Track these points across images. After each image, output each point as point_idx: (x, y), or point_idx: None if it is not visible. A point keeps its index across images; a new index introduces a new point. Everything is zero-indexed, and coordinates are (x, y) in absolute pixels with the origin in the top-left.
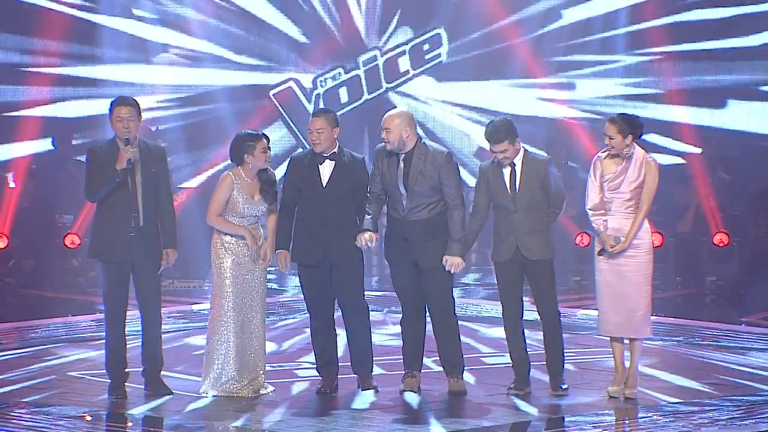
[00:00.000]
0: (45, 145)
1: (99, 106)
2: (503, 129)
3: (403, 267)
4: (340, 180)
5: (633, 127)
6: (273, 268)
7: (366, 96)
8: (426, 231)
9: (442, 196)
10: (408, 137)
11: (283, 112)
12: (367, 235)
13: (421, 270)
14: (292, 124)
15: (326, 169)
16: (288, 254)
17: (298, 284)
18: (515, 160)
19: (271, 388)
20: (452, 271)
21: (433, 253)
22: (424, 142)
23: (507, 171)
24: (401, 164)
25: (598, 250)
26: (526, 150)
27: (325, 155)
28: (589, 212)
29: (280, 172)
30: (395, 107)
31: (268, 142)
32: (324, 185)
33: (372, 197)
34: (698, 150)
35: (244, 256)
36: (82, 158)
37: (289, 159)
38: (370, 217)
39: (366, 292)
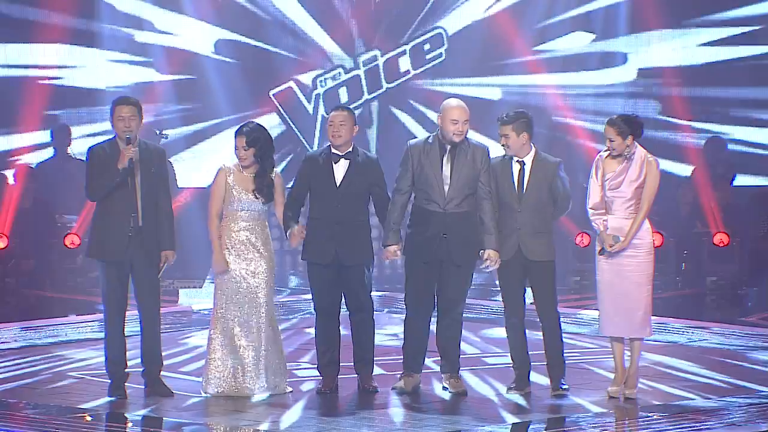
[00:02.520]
0: (45, 142)
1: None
2: (514, 116)
3: (429, 265)
4: (354, 179)
5: (633, 127)
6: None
7: (366, 96)
8: (464, 225)
9: (474, 191)
10: None
11: (283, 112)
12: (392, 248)
13: (446, 266)
14: (292, 124)
15: (340, 169)
16: (301, 227)
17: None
18: (525, 159)
19: (289, 389)
20: (491, 266)
21: (469, 248)
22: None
23: (516, 169)
24: (448, 154)
25: (598, 249)
26: (537, 150)
27: (340, 154)
28: (590, 211)
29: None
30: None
31: (245, 140)
32: (338, 185)
33: (396, 196)
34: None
35: (246, 255)
36: (83, 157)
37: (304, 156)
38: (394, 227)
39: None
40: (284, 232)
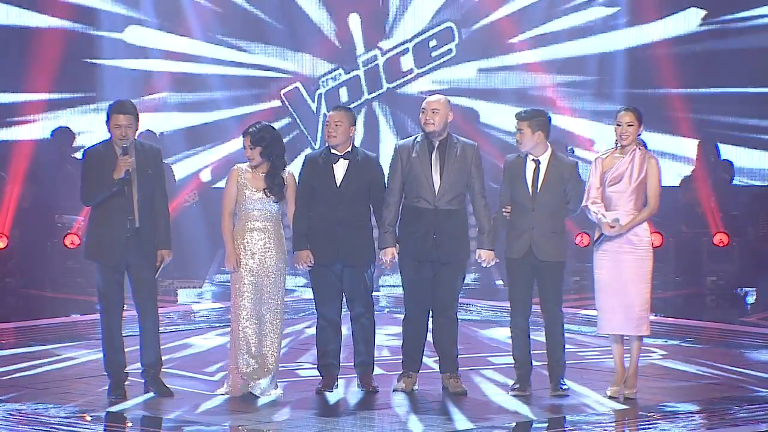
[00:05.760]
0: (44, 143)
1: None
2: (531, 112)
3: (422, 265)
4: (354, 179)
5: (642, 118)
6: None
7: (366, 96)
8: (454, 223)
9: (465, 189)
10: (449, 122)
11: (291, 110)
12: (389, 251)
13: (437, 266)
14: (299, 122)
15: (340, 169)
16: (309, 253)
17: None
18: (541, 158)
19: (280, 391)
20: (485, 266)
21: (458, 247)
22: (452, 134)
23: (530, 168)
24: (436, 151)
25: (596, 237)
26: (554, 151)
27: (339, 154)
28: (588, 205)
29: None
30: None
31: (250, 139)
32: (338, 185)
33: (389, 198)
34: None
35: (259, 254)
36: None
37: (304, 158)
38: (389, 229)
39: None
40: (293, 245)
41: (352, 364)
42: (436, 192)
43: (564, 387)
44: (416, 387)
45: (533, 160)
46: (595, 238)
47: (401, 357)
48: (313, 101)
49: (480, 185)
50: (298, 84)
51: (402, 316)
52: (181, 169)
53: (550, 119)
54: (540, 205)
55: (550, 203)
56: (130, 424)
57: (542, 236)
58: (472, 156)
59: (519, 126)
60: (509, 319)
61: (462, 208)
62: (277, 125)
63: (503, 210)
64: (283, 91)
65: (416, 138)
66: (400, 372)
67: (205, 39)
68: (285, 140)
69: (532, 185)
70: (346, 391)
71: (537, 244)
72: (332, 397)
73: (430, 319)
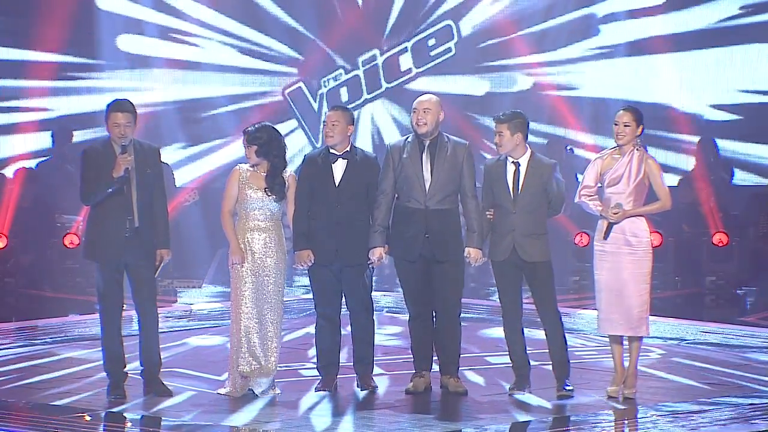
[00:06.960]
0: (44, 143)
1: (98, 104)
2: (511, 114)
3: (418, 264)
4: (353, 179)
5: (641, 119)
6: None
7: (365, 96)
8: (446, 223)
9: (456, 188)
10: (440, 122)
11: (295, 110)
12: (378, 251)
13: (433, 265)
14: (302, 122)
15: (339, 168)
16: (310, 253)
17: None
18: (520, 160)
19: (278, 391)
20: (473, 264)
21: (452, 245)
22: (443, 132)
23: (511, 170)
24: (427, 151)
25: (604, 228)
26: (533, 152)
27: (338, 154)
28: (584, 200)
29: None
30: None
31: (247, 138)
32: (337, 184)
33: (380, 198)
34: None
35: (259, 254)
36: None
37: (303, 158)
38: (379, 229)
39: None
40: (294, 245)
41: (352, 364)
42: (427, 191)
43: (568, 388)
44: (430, 386)
45: (513, 162)
46: (603, 231)
47: (412, 357)
48: (315, 101)
49: (471, 185)
50: (301, 84)
51: (399, 316)
52: (184, 172)
53: (528, 121)
54: (521, 207)
55: (531, 204)
56: (129, 424)
57: (525, 237)
58: (464, 155)
59: (498, 129)
60: (502, 320)
61: (454, 207)
62: (285, 126)
63: (487, 213)
64: (287, 91)
65: (407, 138)
66: (413, 372)
67: (207, 39)
68: (294, 142)
69: (512, 187)
70: (346, 391)
71: (520, 245)
72: (332, 397)
73: (437, 321)
